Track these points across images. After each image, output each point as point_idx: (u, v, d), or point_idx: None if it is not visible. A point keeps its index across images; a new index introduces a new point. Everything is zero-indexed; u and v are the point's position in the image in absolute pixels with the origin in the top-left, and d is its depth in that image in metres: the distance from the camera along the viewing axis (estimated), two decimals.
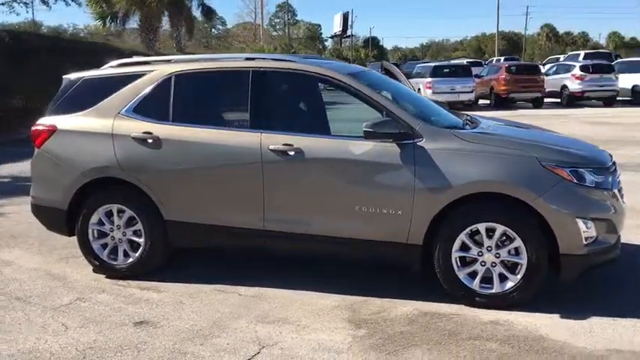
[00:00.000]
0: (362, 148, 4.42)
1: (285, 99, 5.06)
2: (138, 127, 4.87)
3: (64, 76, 5.38)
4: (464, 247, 4.34)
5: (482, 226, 4.26)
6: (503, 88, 22.71)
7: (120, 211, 4.98)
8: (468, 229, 4.29)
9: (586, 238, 4.17)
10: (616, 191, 4.37)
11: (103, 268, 5.10)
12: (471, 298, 4.35)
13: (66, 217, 5.09)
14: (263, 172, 4.56)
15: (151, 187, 4.82)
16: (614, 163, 4.60)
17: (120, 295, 4.70)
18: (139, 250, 4.98)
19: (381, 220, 4.41)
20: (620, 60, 27.80)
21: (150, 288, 4.83)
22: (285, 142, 4.53)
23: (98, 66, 5.45)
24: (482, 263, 4.32)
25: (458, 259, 4.35)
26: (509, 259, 4.27)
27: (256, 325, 4.12)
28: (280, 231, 4.65)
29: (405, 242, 4.41)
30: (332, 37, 74.35)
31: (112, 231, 5.03)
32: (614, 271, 4.85)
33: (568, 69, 24.14)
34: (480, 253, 4.31)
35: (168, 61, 5.22)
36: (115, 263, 5.05)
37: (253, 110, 4.69)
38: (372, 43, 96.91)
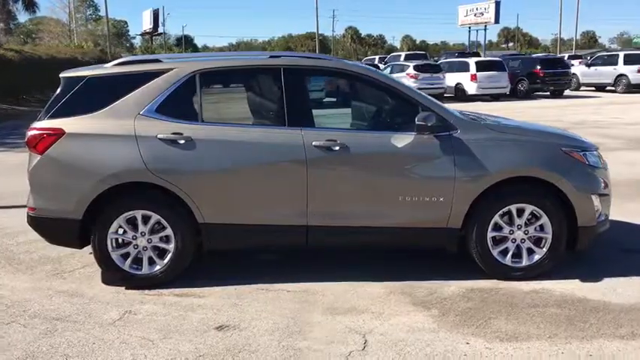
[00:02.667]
0: (403, 140, 4.69)
1: (320, 96, 5.14)
2: (164, 127, 4.66)
3: (62, 75, 4.92)
4: (497, 227, 4.81)
5: (513, 207, 4.77)
6: None
7: (145, 217, 4.71)
8: (501, 211, 4.77)
9: (596, 212, 4.86)
10: (607, 171, 5.13)
11: (122, 279, 4.79)
12: (505, 273, 4.84)
13: (79, 227, 4.69)
14: (307, 169, 4.64)
15: (184, 190, 4.64)
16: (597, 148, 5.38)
17: (165, 304, 4.48)
18: (167, 257, 4.76)
19: (424, 207, 4.73)
20: (442, 60, 30.75)
21: (187, 294, 4.66)
22: (329, 138, 4.65)
23: None
24: (513, 240, 4.83)
25: (492, 238, 4.81)
26: (537, 234, 4.83)
27: (335, 317, 4.22)
28: (324, 225, 4.76)
29: (445, 227, 4.78)
30: (142, 35, 71.79)
31: (134, 239, 4.74)
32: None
33: (402, 69, 26.16)
34: (511, 232, 4.82)
35: (186, 58, 5.02)
36: (139, 273, 4.78)
37: (289, 107, 4.72)
38: (186, 41, 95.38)
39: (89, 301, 4.55)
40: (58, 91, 4.86)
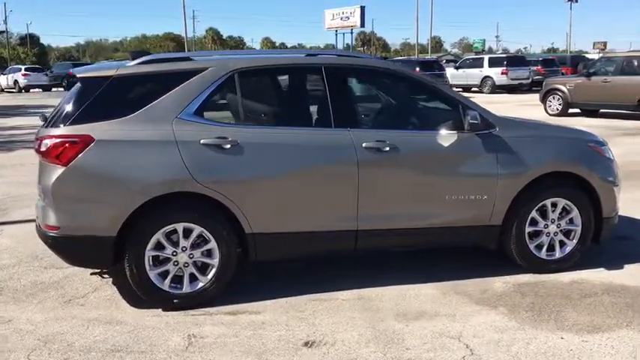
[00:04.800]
0: (449, 139, 4.66)
1: (362, 95, 4.96)
2: (207, 132, 4.27)
3: (80, 75, 4.33)
4: (533, 222, 4.94)
5: (548, 202, 4.93)
6: None
7: (186, 231, 4.28)
8: (537, 206, 4.90)
9: (617, 203, 5.15)
10: None
11: (160, 300, 4.33)
12: (541, 266, 4.98)
13: (114, 246, 4.17)
14: (358, 171, 4.47)
15: (232, 199, 4.27)
16: None
17: (224, 323, 4.10)
18: (211, 273, 4.37)
19: (469, 205, 4.74)
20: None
21: (239, 311, 4.30)
22: (379, 139, 4.52)
23: None
24: (547, 234, 4.98)
25: (528, 233, 4.93)
26: (567, 227, 5.02)
27: (413, 323, 4.09)
28: (374, 229, 4.61)
29: (487, 224, 4.82)
30: None
31: (175, 255, 4.29)
32: None
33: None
34: (546, 226, 4.96)
35: (219, 56, 4.63)
36: (180, 292, 4.33)
37: (335, 108, 4.52)
38: (31, 40, 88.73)
39: (135, 328, 4.04)
40: (77, 92, 4.28)
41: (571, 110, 18.23)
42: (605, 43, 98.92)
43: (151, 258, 4.25)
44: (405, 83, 5.00)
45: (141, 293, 4.31)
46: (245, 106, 4.44)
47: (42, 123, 4.57)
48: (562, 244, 5.03)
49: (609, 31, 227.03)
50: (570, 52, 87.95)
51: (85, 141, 4.09)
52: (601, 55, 31.18)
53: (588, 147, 5.07)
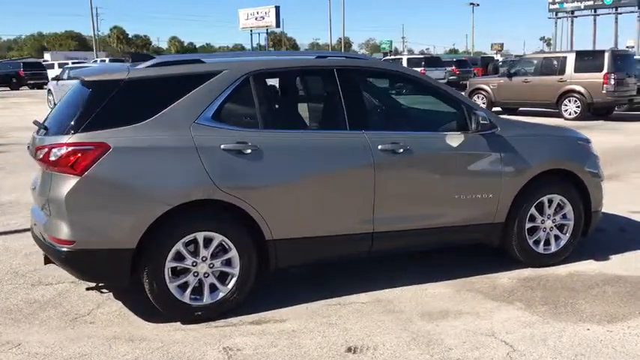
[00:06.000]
0: (457, 140, 4.75)
1: (373, 97, 4.93)
2: (226, 136, 4.12)
3: (87, 79, 4.07)
4: (532, 219, 5.12)
5: (545, 199, 5.12)
6: None
7: (207, 240, 4.12)
8: (536, 202, 5.08)
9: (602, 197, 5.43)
10: None
11: (179, 313, 4.15)
12: (539, 260, 5.17)
13: (132, 258, 3.95)
14: (375, 173, 4.47)
15: (253, 205, 4.15)
16: None
17: (254, 334, 3.97)
18: (232, 282, 4.23)
19: (476, 204, 4.85)
20: None
21: (263, 320, 4.19)
22: (393, 141, 4.54)
23: None
24: (544, 229, 5.17)
25: (527, 229, 5.10)
26: (561, 222, 5.23)
27: (441, 322, 4.14)
28: (389, 231, 4.62)
29: (491, 222, 4.95)
30: None
31: (194, 265, 4.12)
32: None
33: None
34: (543, 222, 5.16)
35: (230, 58, 4.48)
36: (201, 303, 4.16)
37: (349, 110, 4.49)
38: None
39: (163, 344, 3.84)
40: (86, 97, 4.02)
41: (494, 109, 19.02)
42: (502, 45, 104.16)
43: (170, 270, 4.06)
44: (411, 85, 5.04)
45: (161, 307, 4.10)
46: (262, 110, 4.32)
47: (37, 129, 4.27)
48: (556, 238, 5.23)
49: (504, 33, 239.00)
50: (469, 52, 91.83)
51: (101, 149, 3.84)
52: (498, 56, 32.64)
53: (578, 144, 5.31)
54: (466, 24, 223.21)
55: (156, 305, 4.10)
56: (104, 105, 3.97)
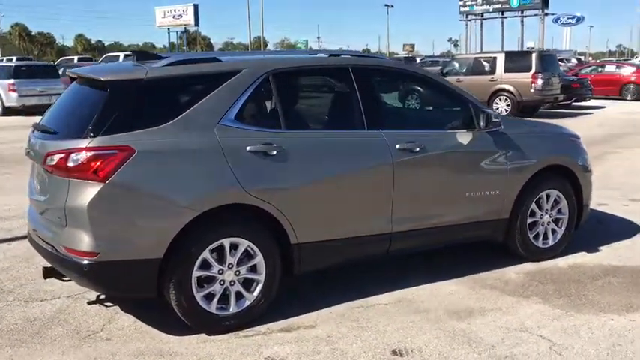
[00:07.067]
0: (467, 138, 4.78)
1: (389, 96, 4.85)
2: (251, 138, 3.95)
3: (105, 78, 3.77)
4: (532, 214, 5.23)
5: (544, 194, 5.25)
6: None
7: (233, 246, 3.94)
8: (536, 198, 5.20)
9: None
10: None
11: (205, 324, 3.94)
12: (540, 254, 5.29)
13: (159, 268, 3.71)
14: (394, 172, 4.43)
15: (280, 208, 4.00)
16: None
17: (289, 341, 3.83)
18: (257, 289, 4.06)
19: (484, 201, 4.91)
20: None
21: (291, 327, 4.04)
22: (409, 140, 4.51)
23: None
24: (542, 224, 5.31)
25: (529, 224, 5.22)
26: (557, 216, 5.38)
27: (471, 320, 4.14)
28: (406, 230, 4.59)
29: (497, 218, 5.03)
30: None
31: (220, 273, 3.92)
32: None
33: None
34: (541, 216, 5.29)
35: (247, 57, 4.30)
36: (227, 313, 3.97)
37: (366, 109, 4.42)
38: None
39: (199, 358, 3.63)
40: (105, 98, 3.73)
41: None
42: (413, 45, 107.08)
43: (195, 279, 3.84)
44: (422, 83, 5.02)
45: (189, 319, 3.88)
46: (283, 110, 4.16)
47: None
48: (553, 232, 5.37)
49: (415, 34, 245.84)
50: (382, 53, 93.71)
51: (126, 153, 3.58)
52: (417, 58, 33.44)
53: (571, 140, 5.48)
54: (381, 25, 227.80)
55: (183, 317, 3.87)
56: (125, 106, 3.71)
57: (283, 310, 4.24)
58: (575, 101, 20.92)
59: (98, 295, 4.51)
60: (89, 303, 4.45)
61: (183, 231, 3.72)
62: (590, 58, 73.08)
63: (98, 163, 3.53)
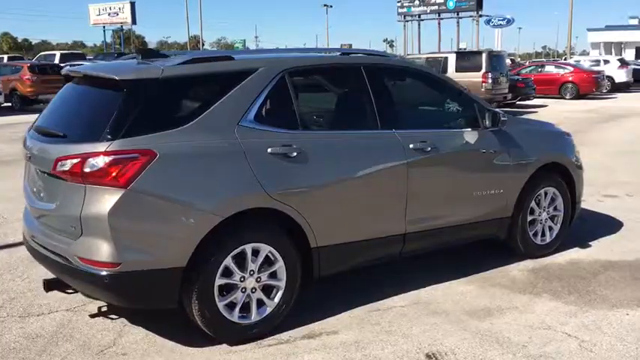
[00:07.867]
0: (473, 137, 4.78)
1: (397, 95, 4.75)
2: (272, 139, 3.80)
3: (121, 78, 3.52)
4: (531, 212, 5.28)
5: (542, 192, 5.31)
6: (29, 89, 21.07)
7: (254, 252, 3.78)
8: (535, 196, 5.26)
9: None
10: None
11: (231, 334, 3.77)
12: (538, 250, 5.35)
13: (182, 277, 3.52)
14: (408, 173, 4.37)
15: (300, 211, 3.87)
16: None
17: (317, 349, 3.70)
18: (278, 295, 3.91)
19: (490, 200, 4.92)
20: None
21: (313, 333, 3.92)
22: (421, 139, 4.46)
23: None
24: (541, 222, 5.37)
25: (528, 222, 5.26)
26: (553, 213, 5.45)
27: (494, 320, 4.12)
28: (419, 231, 4.53)
29: (501, 216, 5.05)
30: None
31: (242, 280, 3.76)
32: None
33: None
34: (539, 214, 5.34)
35: (260, 54, 4.14)
36: (249, 321, 3.80)
37: (379, 108, 4.34)
38: None
39: None
40: (120, 98, 3.49)
41: None
42: (350, 45, 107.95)
43: (217, 288, 3.66)
44: (430, 83, 4.98)
45: (212, 330, 3.68)
46: (299, 109, 4.03)
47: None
48: (550, 229, 5.44)
49: (352, 34, 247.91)
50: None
51: (147, 157, 3.36)
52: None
53: (565, 138, 5.57)
54: (319, 24, 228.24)
55: (205, 328, 3.68)
56: (143, 107, 3.49)
57: (298, 317, 4.10)
58: (519, 100, 21.52)
59: (100, 308, 4.26)
60: (92, 316, 4.18)
61: (205, 238, 3.53)
62: (519, 59, 75.48)
63: (119, 168, 3.30)
